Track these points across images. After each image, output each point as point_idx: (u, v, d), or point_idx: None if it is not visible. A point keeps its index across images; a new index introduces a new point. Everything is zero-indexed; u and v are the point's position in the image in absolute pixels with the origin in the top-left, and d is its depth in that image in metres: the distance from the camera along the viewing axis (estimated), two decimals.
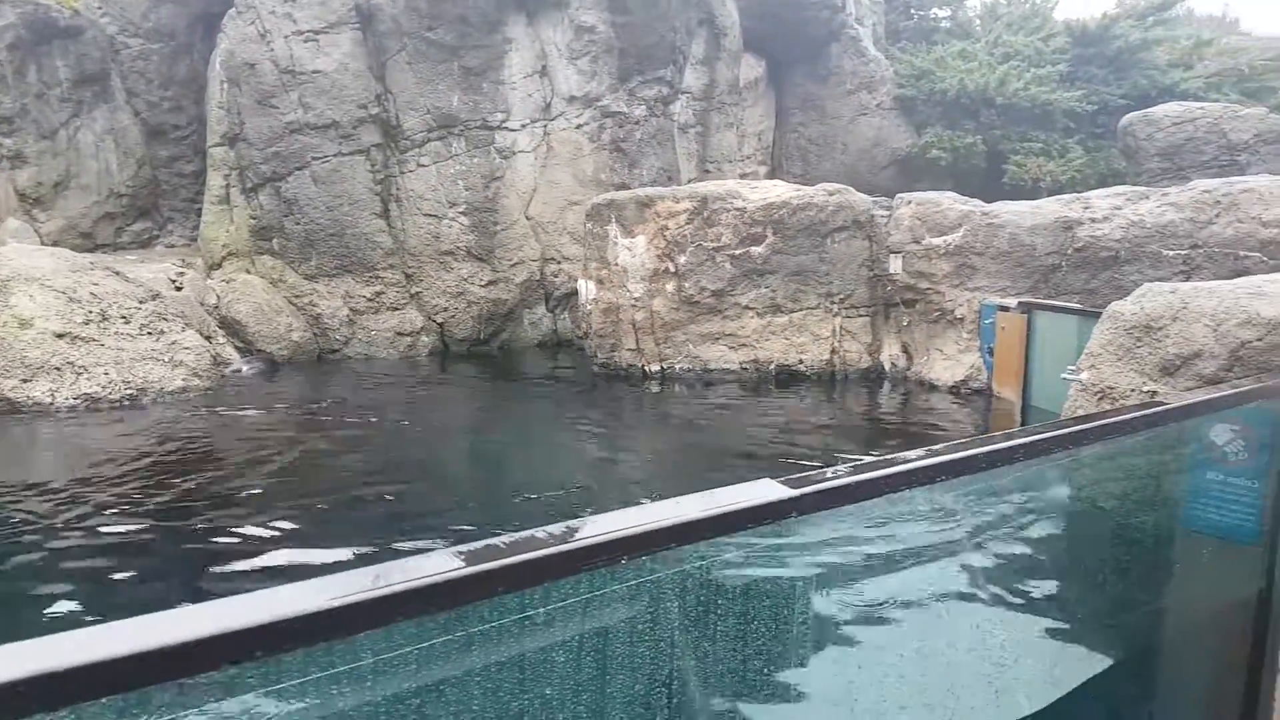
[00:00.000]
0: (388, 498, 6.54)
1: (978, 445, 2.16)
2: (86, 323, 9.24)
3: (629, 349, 10.89)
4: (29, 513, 5.75)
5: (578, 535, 1.27)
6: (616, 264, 10.88)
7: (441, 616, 1.14)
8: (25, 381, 8.64)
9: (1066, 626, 2.58)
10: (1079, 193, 10.50)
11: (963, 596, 2.44)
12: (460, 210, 13.08)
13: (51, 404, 8.60)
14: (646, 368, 10.80)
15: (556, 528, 1.25)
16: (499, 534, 1.28)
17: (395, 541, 5.45)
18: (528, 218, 13.51)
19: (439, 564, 1.13)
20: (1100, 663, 2.58)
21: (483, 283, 13.19)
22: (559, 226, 13.51)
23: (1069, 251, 9.25)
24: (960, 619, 2.37)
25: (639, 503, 1.42)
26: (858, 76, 17.23)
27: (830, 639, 2.02)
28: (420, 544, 5.23)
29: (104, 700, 0.99)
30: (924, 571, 2.42)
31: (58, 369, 8.80)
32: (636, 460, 7.82)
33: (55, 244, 12.17)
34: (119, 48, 13.36)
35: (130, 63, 13.45)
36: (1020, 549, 2.61)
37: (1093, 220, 9.25)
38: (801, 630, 1.94)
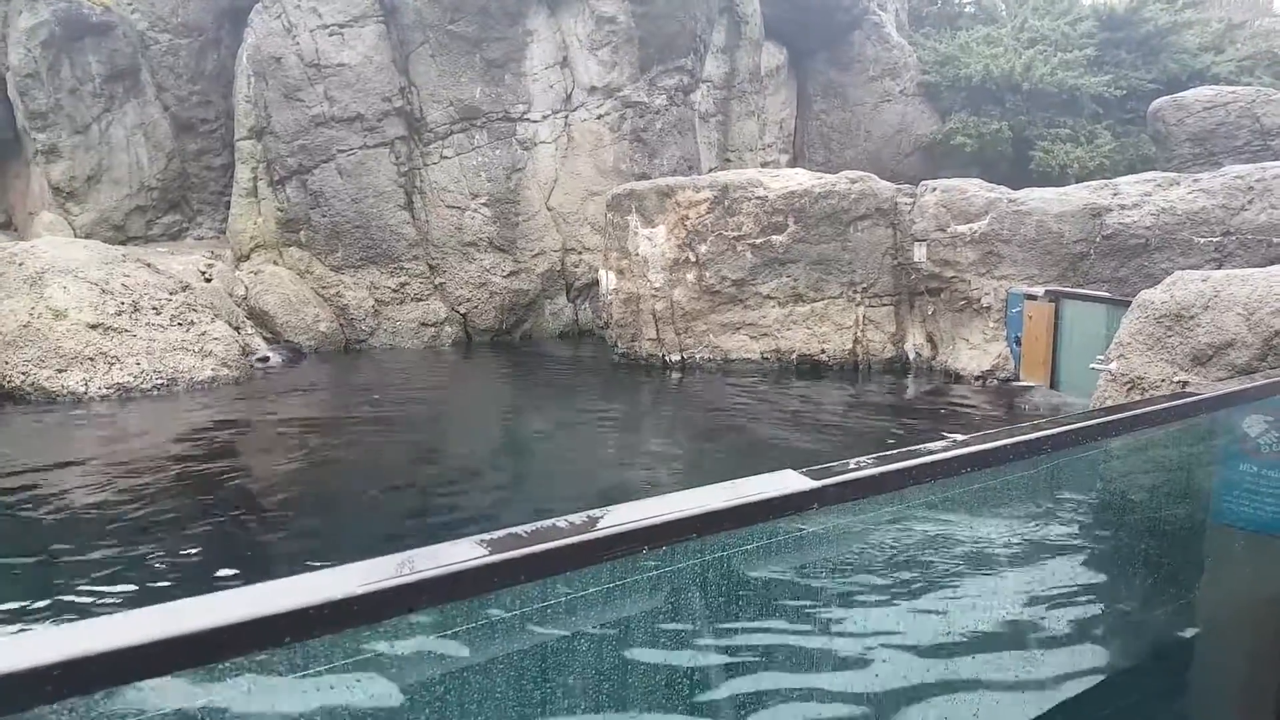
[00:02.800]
0: (414, 487, 6.61)
1: (1004, 436, 2.14)
2: (119, 314, 9.39)
3: (649, 339, 10.89)
4: (62, 499, 5.86)
5: (599, 525, 1.28)
6: (637, 254, 10.88)
7: (465, 604, 1.16)
8: (60, 371, 8.80)
9: (1095, 619, 2.55)
10: (1108, 179, 10.35)
11: (988, 588, 2.43)
12: (482, 201, 13.12)
13: (85, 393, 8.75)
14: (667, 357, 10.80)
15: (578, 517, 1.26)
16: (522, 523, 1.29)
17: (420, 530, 5.51)
18: (549, 208, 13.53)
19: (462, 552, 1.15)
20: (1131, 656, 2.55)
21: (505, 273, 13.24)
22: (580, 217, 13.52)
23: (1097, 239, 9.12)
24: (986, 611, 2.36)
25: (660, 493, 1.42)
26: (880, 63, 17.06)
27: (853, 630, 2.02)
28: (445, 533, 5.28)
29: (137, 684, 1.02)
30: (949, 563, 2.41)
31: (91, 359, 8.96)
32: (657, 450, 7.83)
33: (88, 237, 12.34)
34: (149, 43, 13.50)
35: (160, 58, 13.59)
36: (1048, 541, 2.59)
37: (1122, 207, 9.11)
38: (824, 621, 1.95)
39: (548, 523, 1.26)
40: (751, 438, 7.81)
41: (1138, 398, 4.52)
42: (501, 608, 1.23)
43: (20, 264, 9.51)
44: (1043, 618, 2.38)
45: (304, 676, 1.13)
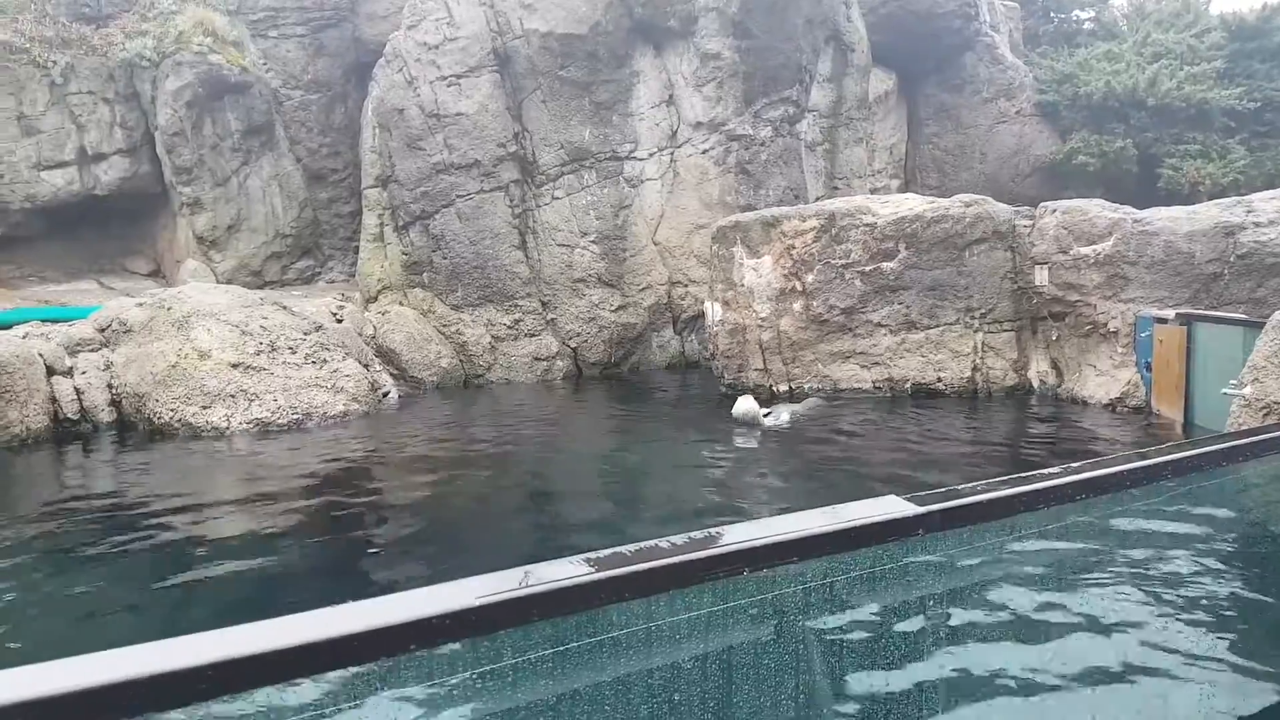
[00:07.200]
0: (529, 514, 6.79)
1: (1120, 462, 2.08)
2: (258, 353, 10.01)
3: (756, 369, 10.85)
4: (209, 525, 6.28)
5: (700, 546, 1.33)
6: (743, 285, 10.89)
7: (575, 619, 1.22)
8: (204, 408, 9.44)
9: (1230, 657, 2.41)
10: (1242, 195, 9.79)
11: (1109, 622, 2.33)
12: (591, 239, 13.42)
13: (227, 428, 9.35)
14: (774, 387, 10.73)
15: (680, 538, 1.31)
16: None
17: (530, 553, 5.64)
18: (655, 243, 13.72)
19: (570, 569, 1.22)
20: (1269, 697, 2.40)
21: (613, 308, 13.47)
22: (685, 250, 13.66)
23: (1231, 259, 8.62)
24: (1106, 646, 2.27)
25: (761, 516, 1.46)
26: (994, 84, 16.68)
27: (961, 660, 1.98)
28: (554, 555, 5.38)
29: (277, 686, 1.12)
30: (1064, 595, 2.33)
31: (232, 396, 9.57)
32: (765, 480, 7.78)
33: (229, 282, 13.25)
34: (282, 99, 14.50)
35: (292, 113, 14.57)
36: (1173, 574, 2.47)
37: (1257, 225, 8.59)
38: (930, 650, 1.92)
39: (651, 543, 1.32)
40: (863, 469, 7.66)
41: (1274, 422, 4.25)
42: (609, 625, 1.28)
43: (169, 309, 10.28)
44: (1167, 655, 2.27)
45: (426, 686, 1.22)
